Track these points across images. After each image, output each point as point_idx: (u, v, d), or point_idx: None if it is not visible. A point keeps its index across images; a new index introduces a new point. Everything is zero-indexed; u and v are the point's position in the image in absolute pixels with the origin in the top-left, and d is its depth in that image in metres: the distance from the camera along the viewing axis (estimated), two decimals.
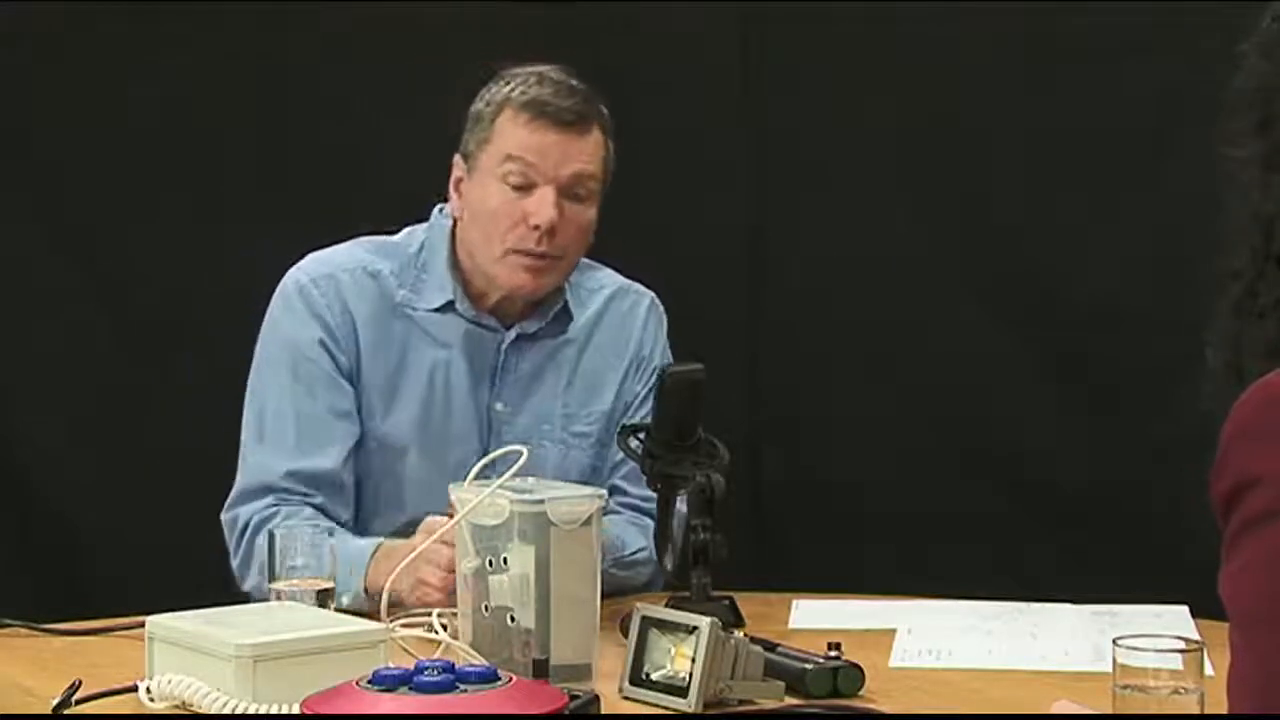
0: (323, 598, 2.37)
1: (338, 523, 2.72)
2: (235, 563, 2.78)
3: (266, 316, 2.85)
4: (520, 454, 2.25)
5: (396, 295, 2.82)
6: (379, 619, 2.26)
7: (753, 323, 3.69)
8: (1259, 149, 1.54)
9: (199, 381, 3.44)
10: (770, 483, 3.66)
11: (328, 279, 2.82)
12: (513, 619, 2.21)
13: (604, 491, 2.32)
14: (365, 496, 2.81)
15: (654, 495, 2.71)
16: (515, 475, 2.25)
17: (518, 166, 2.74)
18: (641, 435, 2.60)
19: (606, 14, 3.60)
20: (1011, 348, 3.58)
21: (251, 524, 2.75)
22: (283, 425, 2.78)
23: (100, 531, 3.63)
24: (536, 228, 2.72)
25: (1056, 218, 3.54)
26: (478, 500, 2.23)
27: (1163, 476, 3.05)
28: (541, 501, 2.21)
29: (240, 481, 2.80)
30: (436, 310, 2.81)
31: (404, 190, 2.91)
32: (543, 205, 2.72)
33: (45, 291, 3.63)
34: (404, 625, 2.30)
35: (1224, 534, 1.45)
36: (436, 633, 2.22)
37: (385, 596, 2.31)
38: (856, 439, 3.62)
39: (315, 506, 2.74)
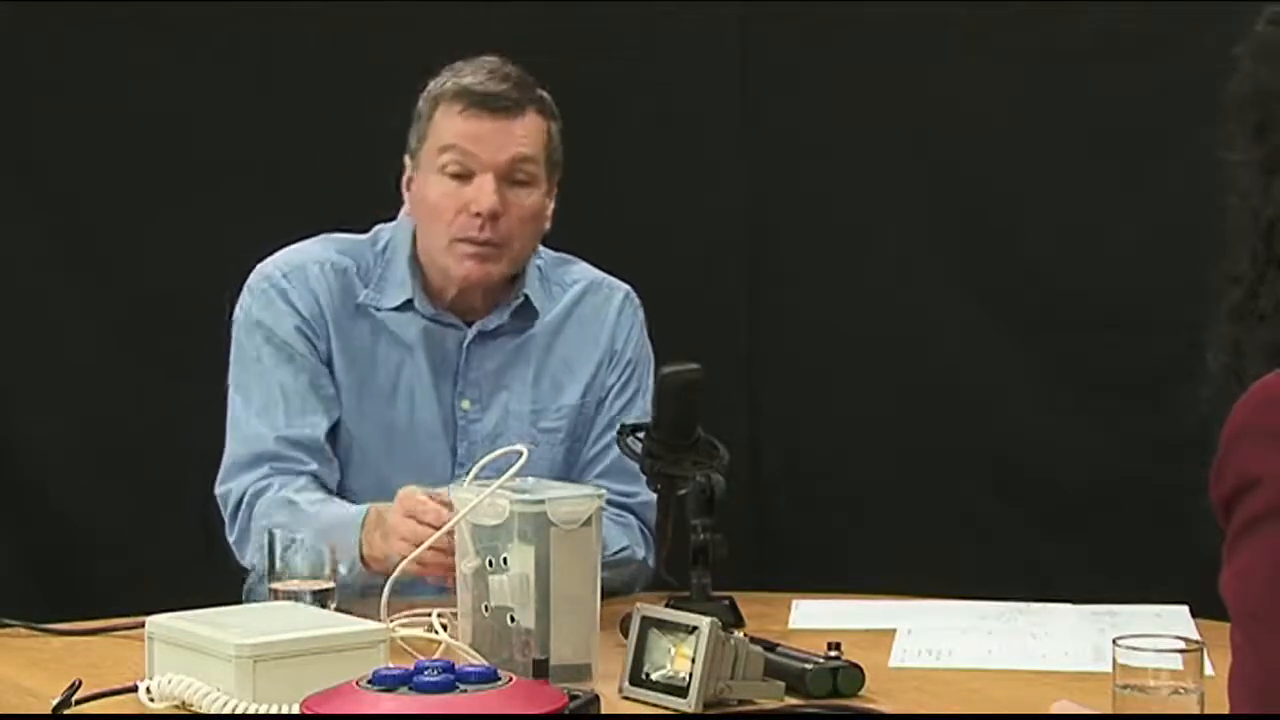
0: (323, 598, 2.37)
1: (330, 491, 2.74)
2: (232, 537, 2.78)
3: (238, 313, 2.85)
4: (520, 454, 2.25)
5: (360, 294, 2.83)
6: (379, 617, 2.27)
7: (752, 322, 3.69)
8: (1257, 153, 1.54)
9: (199, 381, 3.43)
10: (770, 483, 3.66)
11: (298, 271, 2.83)
12: (513, 619, 2.21)
13: (603, 491, 2.32)
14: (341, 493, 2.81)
15: (636, 491, 2.75)
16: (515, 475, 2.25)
17: (455, 156, 2.75)
18: (641, 435, 2.61)
19: (606, 14, 3.60)
20: (1011, 348, 3.58)
21: (246, 497, 2.75)
22: (270, 399, 2.78)
23: (100, 531, 3.62)
24: (478, 215, 2.73)
25: (1056, 218, 3.54)
26: (478, 500, 2.23)
27: (1163, 476, 3.04)
28: (541, 501, 2.21)
29: (231, 454, 2.80)
30: (397, 309, 2.82)
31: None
32: (482, 192, 2.73)
33: (45, 291, 3.63)
34: (404, 625, 2.30)
35: (1225, 534, 1.45)
36: (436, 633, 2.22)
37: (386, 596, 2.31)
38: (856, 439, 3.62)
39: (310, 474, 2.75)
